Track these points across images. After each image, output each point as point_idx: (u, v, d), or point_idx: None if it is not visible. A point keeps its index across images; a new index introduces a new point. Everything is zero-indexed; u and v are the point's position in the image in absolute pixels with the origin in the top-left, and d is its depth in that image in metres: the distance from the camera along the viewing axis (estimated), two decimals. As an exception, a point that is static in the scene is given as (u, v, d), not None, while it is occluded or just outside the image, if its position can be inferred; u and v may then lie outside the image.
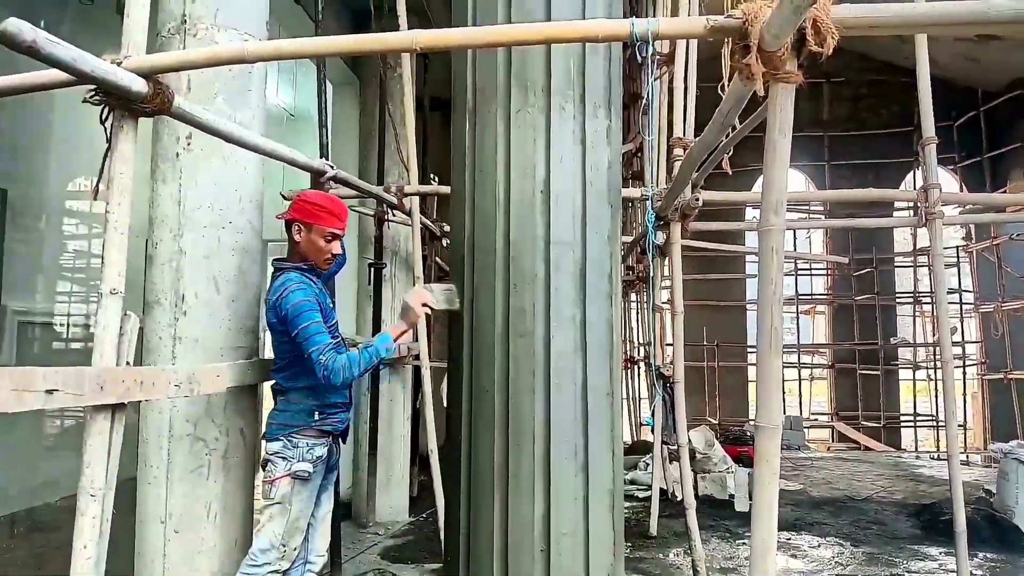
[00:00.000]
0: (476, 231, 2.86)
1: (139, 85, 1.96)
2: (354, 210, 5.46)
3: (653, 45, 1.78)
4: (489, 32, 2.06)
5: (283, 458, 2.73)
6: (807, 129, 13.60)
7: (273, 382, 2.91)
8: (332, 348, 2.63)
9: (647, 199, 4.26)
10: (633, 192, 4.45)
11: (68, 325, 7.82)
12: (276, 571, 2.71)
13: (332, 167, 3.36)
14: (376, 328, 5.83)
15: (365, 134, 7.04)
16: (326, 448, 2.82)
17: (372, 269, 5.94)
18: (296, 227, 2.83)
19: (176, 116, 2.14)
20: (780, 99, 1.73)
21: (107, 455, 2.04)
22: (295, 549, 2.76)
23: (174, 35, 3.09)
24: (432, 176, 6.15)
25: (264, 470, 2.78)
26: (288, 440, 2.75)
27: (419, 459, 7.05)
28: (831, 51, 1.64)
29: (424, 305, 2.83)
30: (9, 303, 6.73)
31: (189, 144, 3.00)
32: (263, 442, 2.85)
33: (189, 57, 2.04)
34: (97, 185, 2.06)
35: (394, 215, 5.43)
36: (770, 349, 1.70)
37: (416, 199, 5.11)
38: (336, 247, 2.89)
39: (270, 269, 2.97)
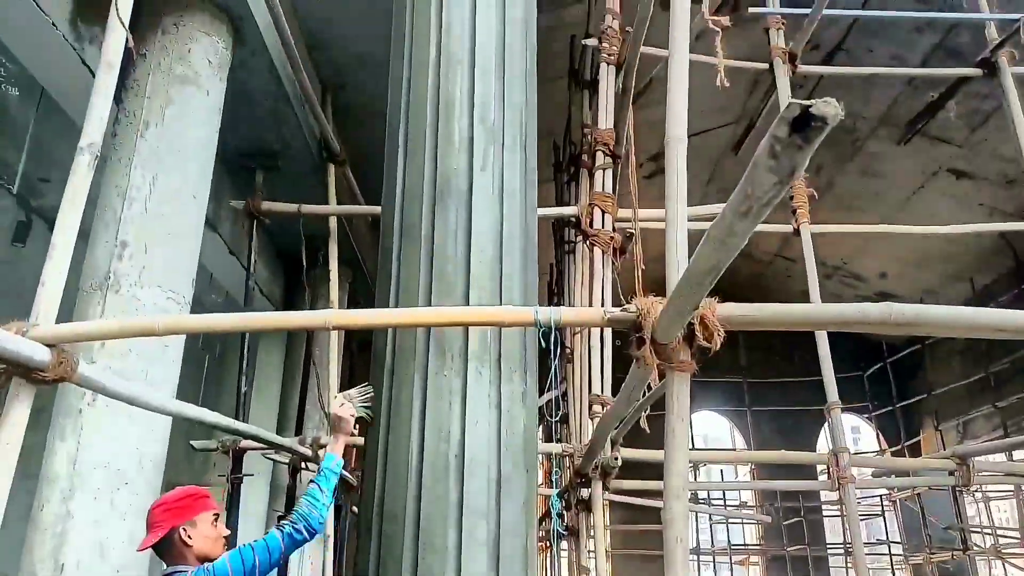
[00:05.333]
0: (387, 497, 2.76)
1: (41, 354, 1.93)
2: (268, 458, 5.27)
3: (557, 331, 1.87)
4: (402, 314, 2.15)
5: None
6: (727, 375, 14.17)
7: None
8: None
9: (567, 455, 4.26)
10: (554, 448, 4.45)
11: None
12: None
13: None
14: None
15: (289, 377, 6.98)
16: None
17: (280, 521, 5.58)
18: (182, 532, 2.52)
19: (78, 383, 2.09)
20: (676, 386, 1.81)
21: None
22: None
23: (95, 291, 3.11)
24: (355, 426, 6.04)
25: None
26: None
27: None
28: (719, 346, 1.75)
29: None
30: None
31: (94, 400, 2.91)
32: None
33: (98, 328, 2.04)
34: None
35: (308, 466, 5.24)
36: (680, 648, 1.62)
37: (335, 449, 4.97)
38: (223, 526, 2.67)
39: None
